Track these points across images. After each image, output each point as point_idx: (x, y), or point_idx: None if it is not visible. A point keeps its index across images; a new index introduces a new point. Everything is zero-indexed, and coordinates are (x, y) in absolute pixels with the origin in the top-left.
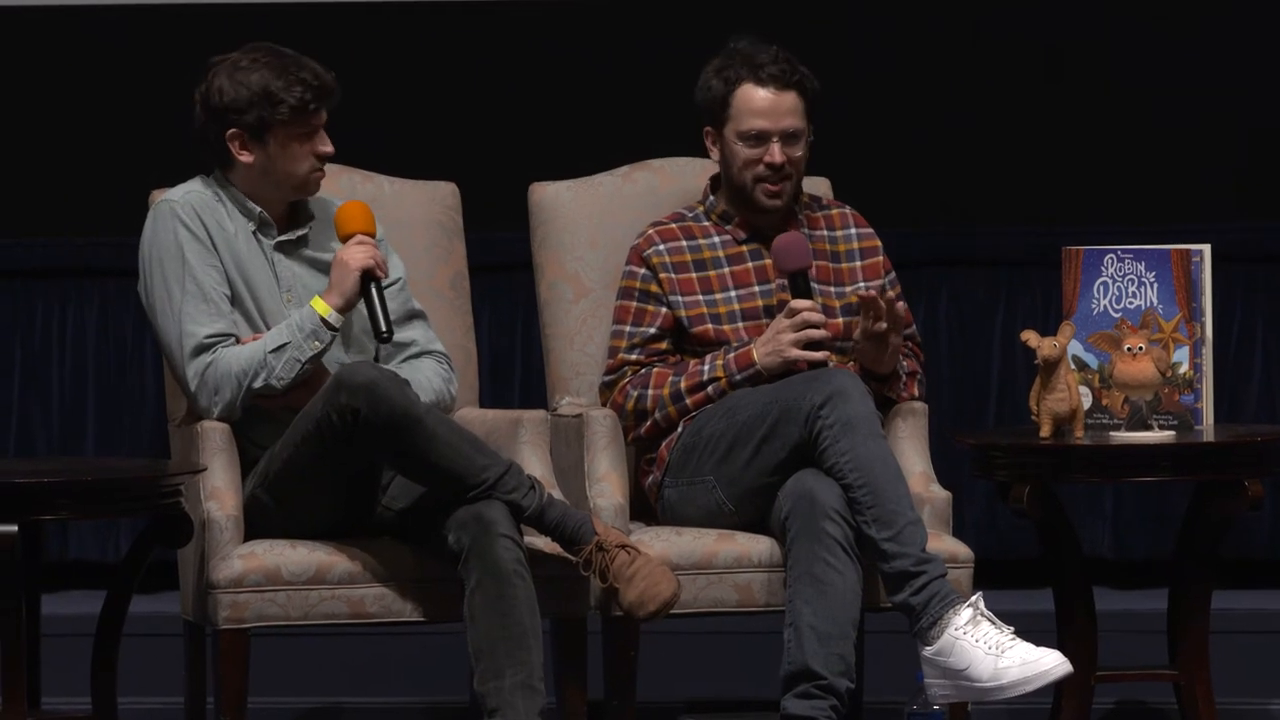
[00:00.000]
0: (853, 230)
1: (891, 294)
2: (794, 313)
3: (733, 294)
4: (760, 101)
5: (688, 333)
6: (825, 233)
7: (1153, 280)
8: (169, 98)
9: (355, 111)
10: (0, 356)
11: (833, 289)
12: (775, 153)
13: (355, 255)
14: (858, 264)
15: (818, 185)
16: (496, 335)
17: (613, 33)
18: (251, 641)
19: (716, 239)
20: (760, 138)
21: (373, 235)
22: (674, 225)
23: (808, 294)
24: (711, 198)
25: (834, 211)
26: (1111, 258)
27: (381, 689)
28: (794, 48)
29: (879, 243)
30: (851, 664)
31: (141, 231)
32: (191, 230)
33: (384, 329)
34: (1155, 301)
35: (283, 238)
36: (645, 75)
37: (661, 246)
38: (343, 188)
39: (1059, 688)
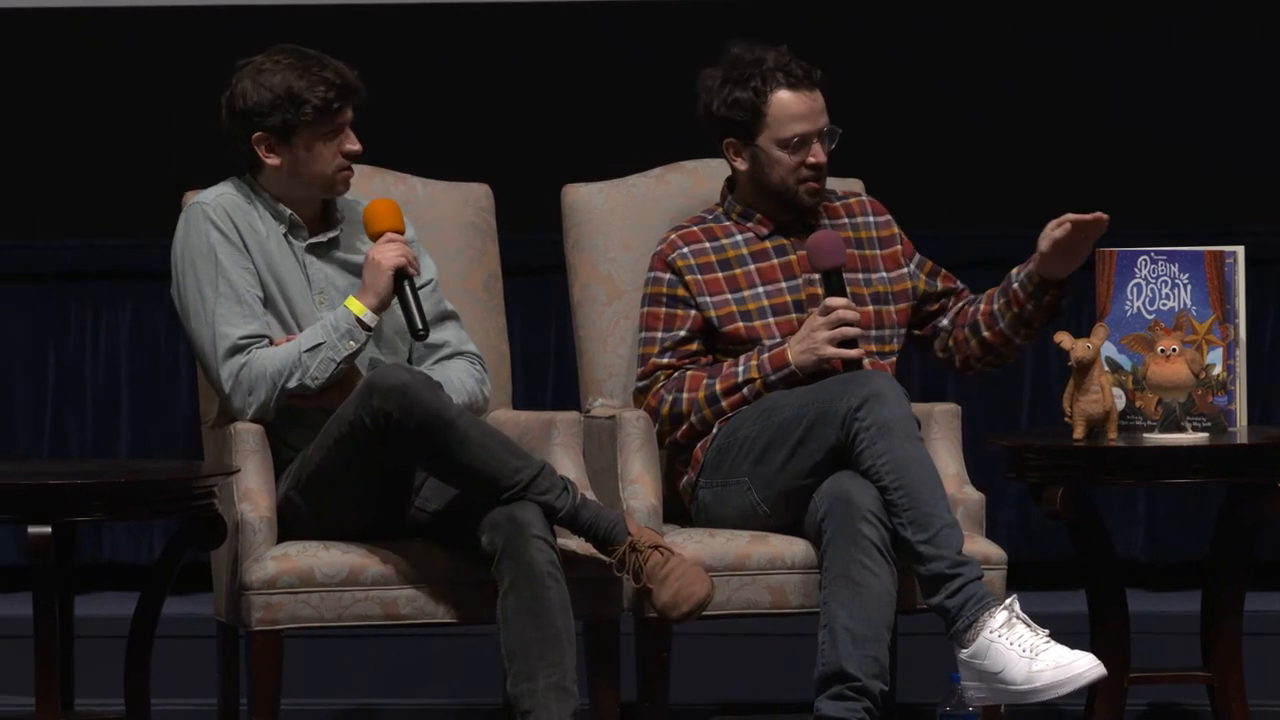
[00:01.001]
0: (870, 218)
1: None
2: (828, 310)
3: (760, 290)
4: (798, 106)
5: (719, 332)
6: (846, 220)
7: (1186, 282)
8: (202, 99)
9: (388, 113)
10: (34, 359)
11: (860, 276)
12: (819, 153)
13: (387, 254)
14: (878, 252)
15: (851, 186)
16: (529, 337)
17: (646, 35)
18: (284, 643)
19: (739, 237)
20: (803, 141)
21: (402, 232)
22: (695, 228)
23: (842, 291)
24: (730, 198)
25: (851, 200)
26: (1145, 259)
27: (414, 690)
28: (827, 50)
29: (895, 230)
30: (885, 666)
31: (174, 234)
32: (223, 232)
33: (419, 327)
34: (1189, 303)
35: (314, 240)
36: (678, 77)
37: (686, 249)
38: (375, 189)
39: (1092, 689)
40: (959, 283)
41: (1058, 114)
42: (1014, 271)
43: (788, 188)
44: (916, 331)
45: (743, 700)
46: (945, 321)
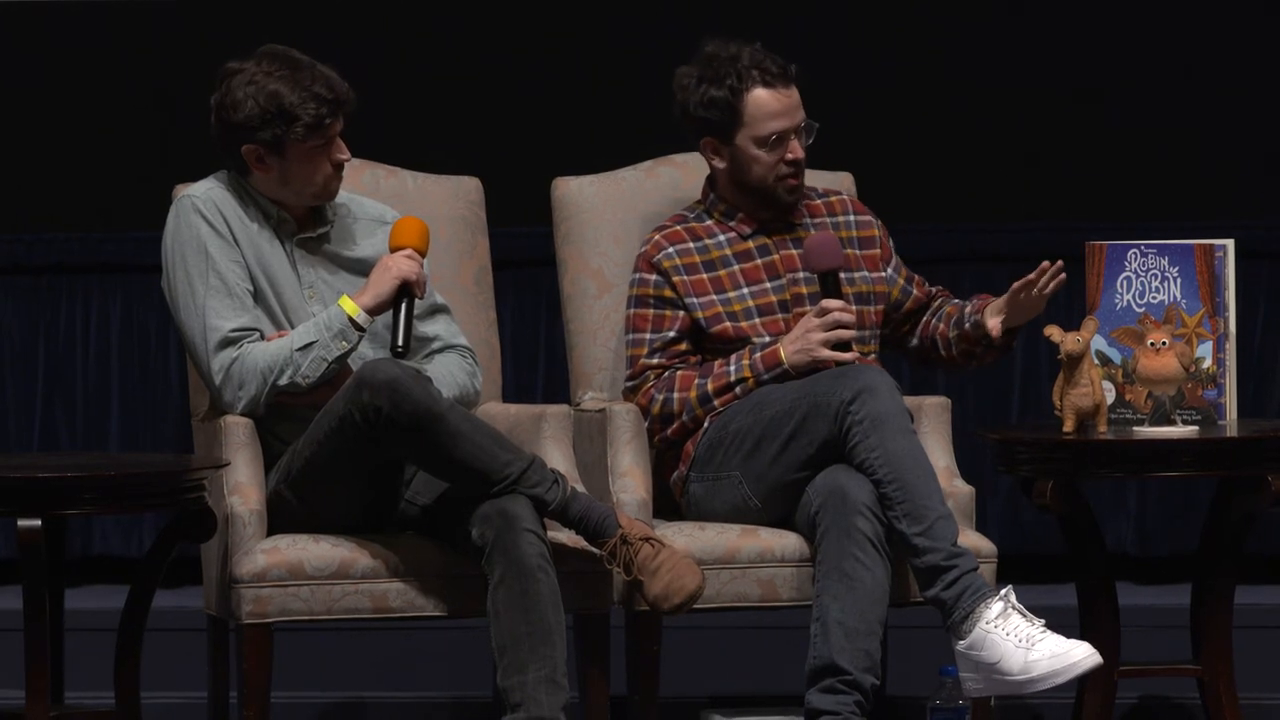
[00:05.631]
0: (851, 217)
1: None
2: (825, 312)
3: (746, 291)
4: (774, 104)
5: (706, 333)
6: (827, 219)
7: (1176, 275)
8: (192, 92)
9: (379, 106)
10: (24, 352)
11: (841, 275)
12: (797, 149)
13: (400, 263)
14: (859, 252)
15: (841, 181)
16: (520, 330)
17: (637, 27)
18: (275, 636)
19: (722, 237)
20: (781, 139)
21: (424, 254)
22: (679, 228)
23: (838, 294)
24: (712, 195)
25: (833, 199)
26: (1135, 253)
27: (405, 684)
28: (817, 43)
29: (876, 231)
30: (877, 661)
31: (164, 227)
32: (213, 225)
33: (400, 344)
34: (1179, 296)
35: (304, 235)
36: (668, 70)
37: (671, 250)
38: (366, 183)
39: (1082, 682)
40: (931, 289)
41: (1049, 107)
42: (968, 309)
43: (767, 185)
44: (889, 349)
45: (733, 693)
46: (915, 341)
